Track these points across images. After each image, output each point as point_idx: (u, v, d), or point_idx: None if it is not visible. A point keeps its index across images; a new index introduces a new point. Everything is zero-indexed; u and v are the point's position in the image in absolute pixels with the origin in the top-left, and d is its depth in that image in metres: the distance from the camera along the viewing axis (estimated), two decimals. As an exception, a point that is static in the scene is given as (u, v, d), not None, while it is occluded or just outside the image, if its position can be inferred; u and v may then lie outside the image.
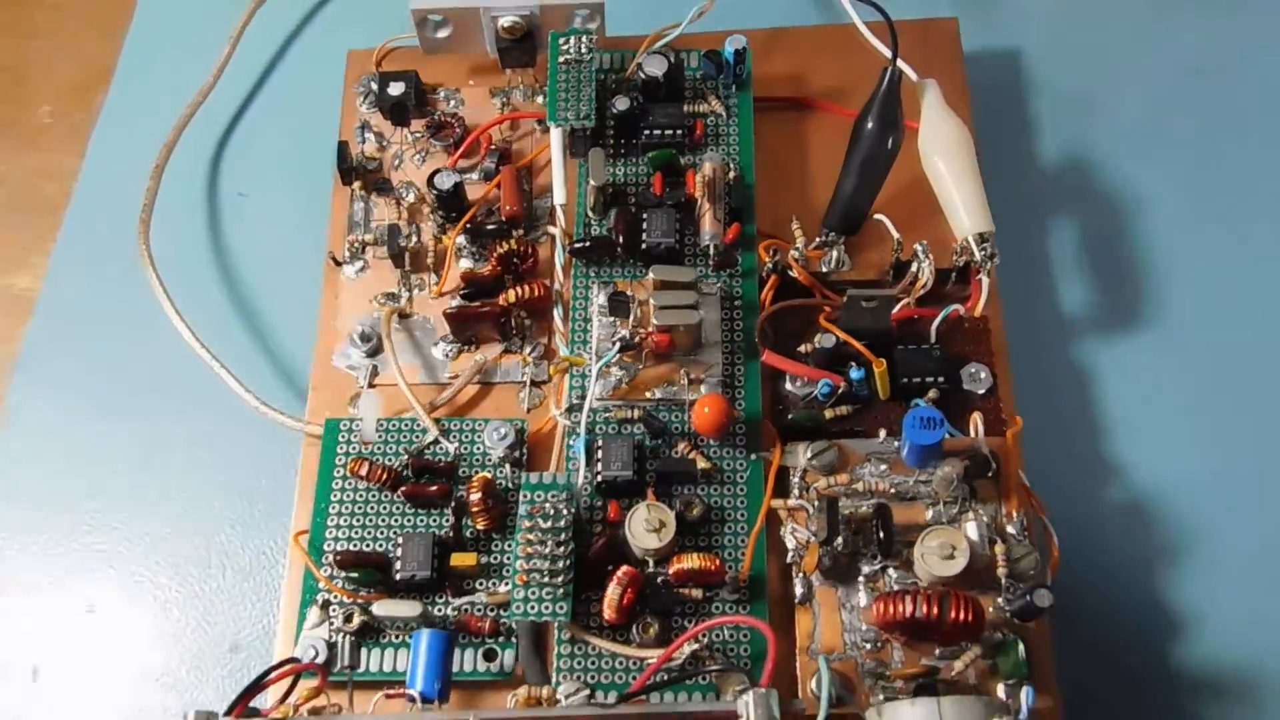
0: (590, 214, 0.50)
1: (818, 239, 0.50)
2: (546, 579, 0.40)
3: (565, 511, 0.41)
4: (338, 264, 0.51)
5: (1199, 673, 0.45)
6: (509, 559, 0.44)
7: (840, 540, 0.42)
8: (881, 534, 0.41)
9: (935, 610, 0.38)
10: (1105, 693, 0.45)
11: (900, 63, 0.48)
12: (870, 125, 0.47)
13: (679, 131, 0.50)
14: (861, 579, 0.42)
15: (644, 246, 0.48)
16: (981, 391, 0.46)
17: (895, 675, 0.40)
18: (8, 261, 0.57)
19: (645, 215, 0.48)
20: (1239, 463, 0.49)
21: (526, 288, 0.49)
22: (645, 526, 0.41)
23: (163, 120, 0.56)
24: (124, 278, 0.54)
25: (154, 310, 0.50)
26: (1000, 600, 0.41)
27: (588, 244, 0.48)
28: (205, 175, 0.57)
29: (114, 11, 0.63)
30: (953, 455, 0.43)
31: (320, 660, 0.41)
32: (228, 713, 0.35)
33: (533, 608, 0.40)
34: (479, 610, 0.43)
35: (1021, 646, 0.39)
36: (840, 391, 0.46)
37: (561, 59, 0.49)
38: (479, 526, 0.44)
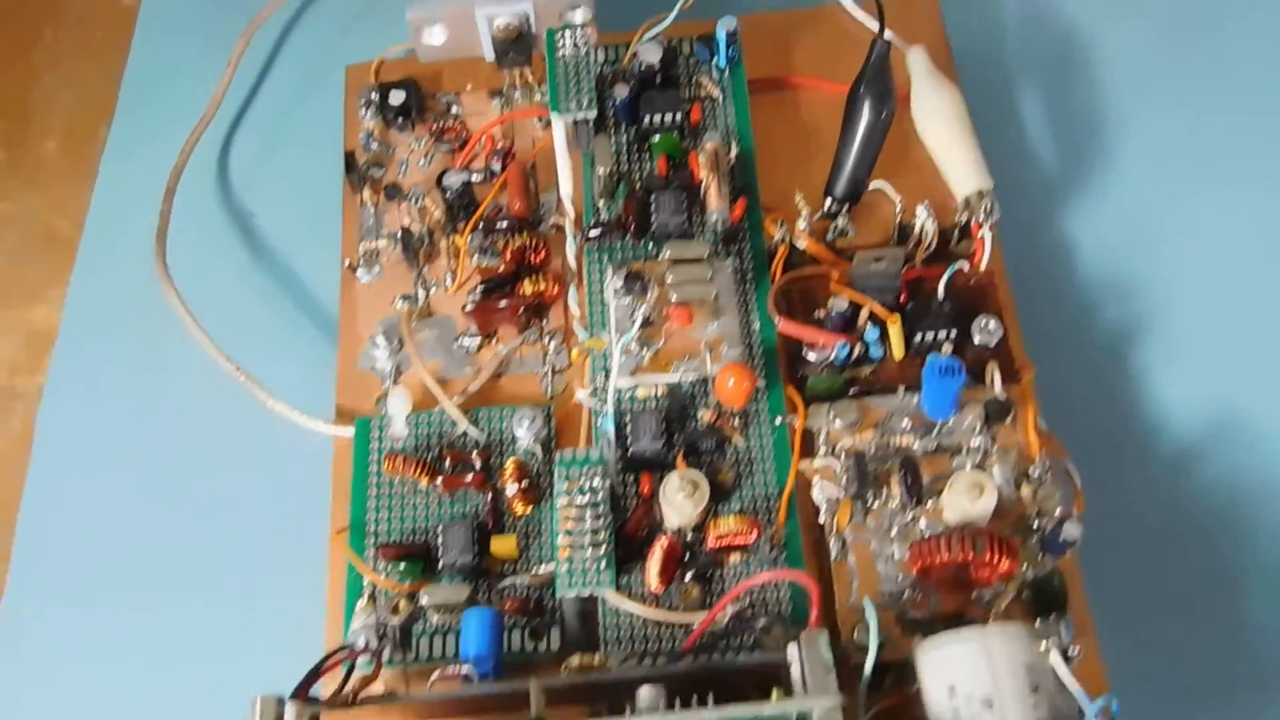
0: (598, 200, 0.51)
1: (821, 211, 0.51)
2: (588, 551, 0.41)
3: (600, 484, 0.42)
4: (353, 270, 0.52)
5: (1232, 587, 0.46)
6: (547, 539, 0.45)
7: (870, 493, 0.43)
8: (910, 481, 0.42)
9: (971, 550, 0.39)
10: (1139, 629, 0.46)
11: (888, 33, 0.50)
12: (863, 97, 0.48)
13: (677, 116, 0.51)
14: (894, 532, 0.43)
15: (653, 228, 0.49)
16: (993, 343, 0.47)
17: (935, 619, 0.41)
18: (25, 297, 0.58)
19: (653, 197, 0.49)
20: (1249, 386, 0.50)
21: (542, 279, 0.50)
22: (679, 490, 0.42)
23: (168, 146, 0.57)
24: (143, 301, 0.54)
25: (175, 329, 0.51)
26: (1031, 541, 0.42)
27: (600, 229, 0.49)
28: (214, 196, 0.58)
29: (110, 45, 0.64)
30: (971, 404, 0.44)
31: (374, 648, 0.41)
32: (292, 697, 0.35)
33: (577, 580, 0.41)
34: (521, 592, 0.44)
35: (1057, 580, 0.40)
36: (857, 354, 0.47)
37: (559, 53, 0.51)
38: (518, 513, 0.45)
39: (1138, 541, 0.47)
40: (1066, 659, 0.35)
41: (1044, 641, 0.35)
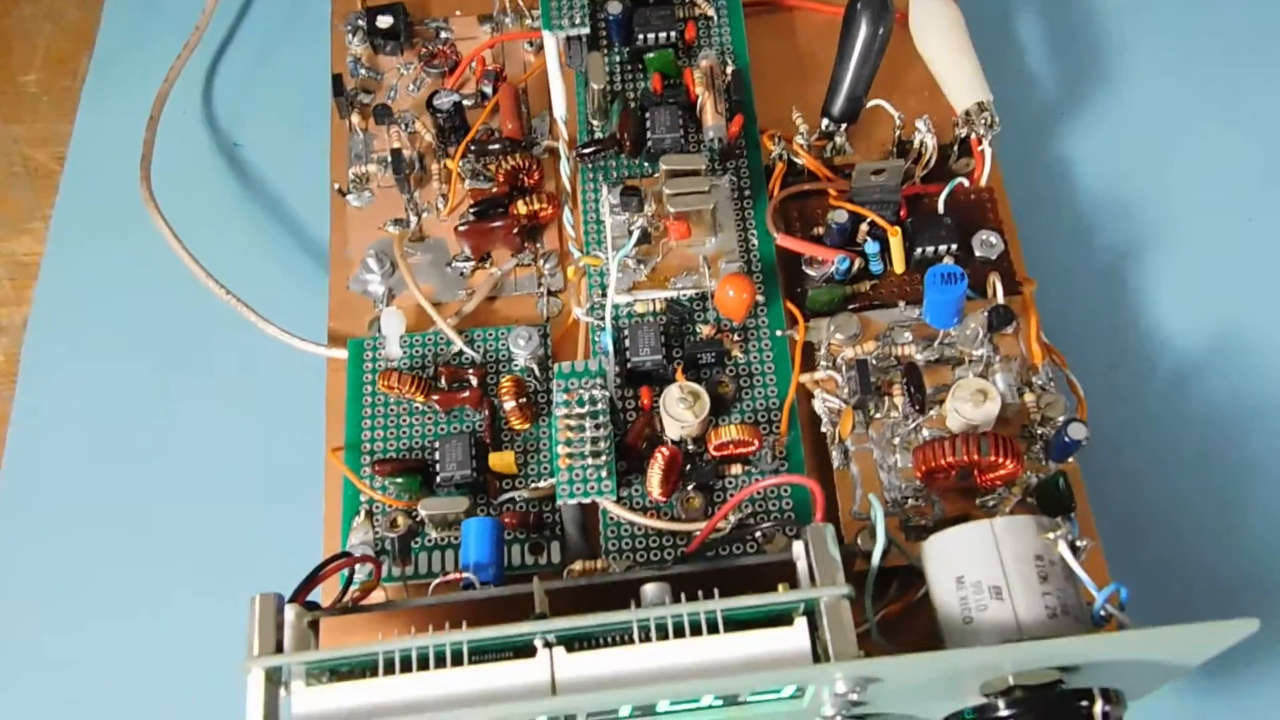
0: (592, 120, 0.50)
1: (819, 130, 0.50)
2: (589, 460, 0.40)
3: (600, 394, 0.41)
4: (343, 195, 0.51)
5: (1230, 497, 0.46)
6: (546, 455, 0.44)
7: (872, 402, 0.42)
8: (913, 389, 0.42)
9: (976, 451, 0.39)
10: (1140, 536, 0.46)
11: (884, -53, 0.49)
12: (861, 11, 0.48)
13: (672, 34, 0.51)
14: (897, 441, 0.43)
15: (649, 144, 0.48)
16: (994, 256, 0.46)
17: (940, 524, 0.41)
18: (6, 229, 0.57)
19: (648, 114, 0.48)
20: (1243, 309, 0.50)
21: (536, 199, 0.49)
22: (679, 401, 0.42)
23: (152, 74, 0.56)
24: (128, 230, 0.53)
25: (163, 258, 0.50)
26: (1035, 448, 0.42)
27: (594, 147, 0.48)
28: (200, 124, 0.57)
29: (90, -24, 0.63)
30: (973, 314, 0.44)
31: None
32: (291, 599, 0.35)
33: (578, 489, 0.40)
34: (520, 506, 0.43)
35: (1063, 481, 0.40)
36: (856, 269, 0.46)
37: (551, -31, 0.50)
38: (515, 427, 0.45)
39: (1137, 453, 0.47)
40: (1075, 551, 0.35)
41: (1052, 533, 0.34)
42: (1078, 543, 0.35)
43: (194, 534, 0.47)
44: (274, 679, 0.33)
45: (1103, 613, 0.34)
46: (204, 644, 0.44)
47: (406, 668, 0.33)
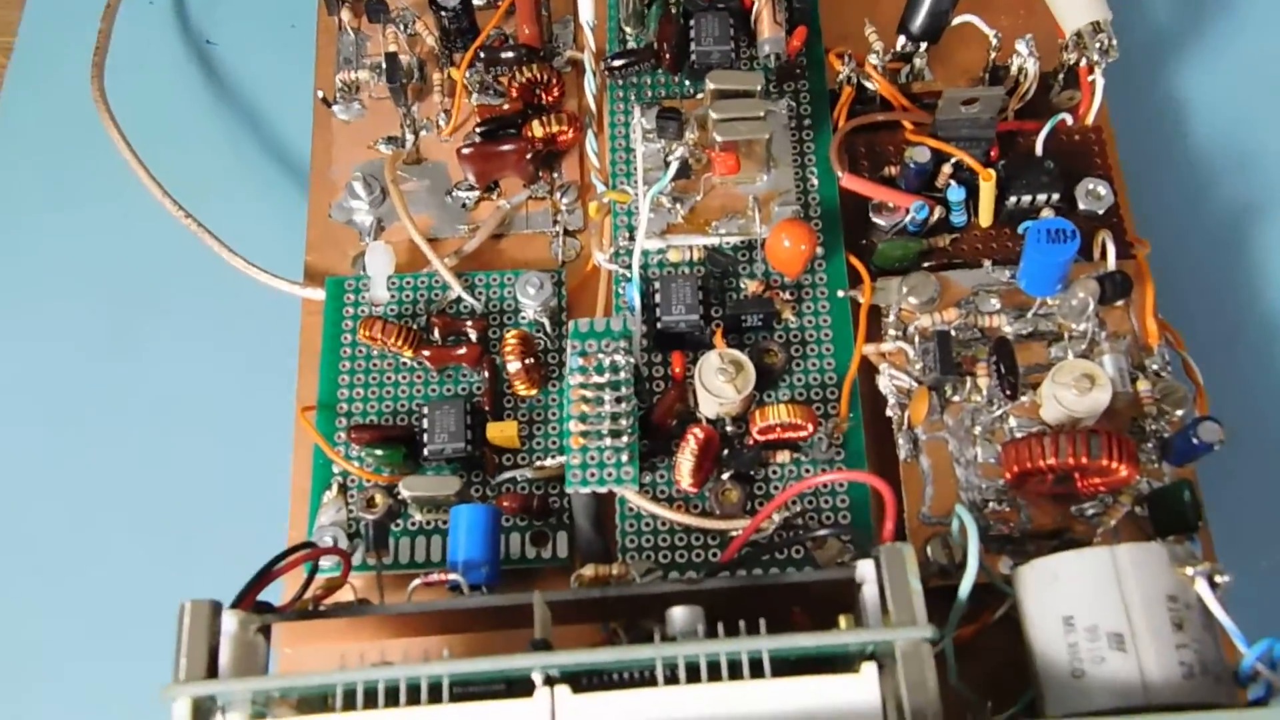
0: (624, 26, 0.42)
1: (894, 50, 0.42)
2: (608, 441, 0.33)
3: (623, 361, 0.34)
4: (328, 105, 0.44)
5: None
6: (555, 427, 0.37)
7: (951, 381, 0.35)
8: (1003, 369, 0.35)
9: (1085, 453, 0.32)
10: (1254, 554, 0.39)
11: None
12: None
13: (725, -71, 0.42)
14: (978, 430, 0.36)
15: (692, 59, 0.40)
16: (1102, 211, 0.39)
17: (1027, 536, 0.34)
18: (-57, 132, 0.50)
19: (693, 21, 0.41)
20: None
21: (554, 121, 0.41)
22: (718, 372, 0.34)
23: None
24: (78, 139, 0.47)
25: (115, 170, 0.44)
26: (1147, 446, 0.35)
27: (625, 60, 0.41)
28: (165, 18, 0.50)
29: None
30: (1079, 280, 0.36)
31: (342, 547, 0.34)
32: (235, 604, 0.28)
33: (593, 475, 0.33)
34: (522, 488, 0.36)
35: (1188, 493, 0.32)
36: (935, 219, 0.39)
37: None
38: (519, 393, 0.38)
39: (1255, 452, 0.40)
40: (1213, 589, 0.28)
41: (1190, 567, 0.27)
42: (1217, 578, 0.28)
43: (141, 502, 0.41)
44: (205, 708, 0.27)
45: (1251, 671, 0.27)
46: (136, 649, 0.37)
47: (371, 702, 0.26)
